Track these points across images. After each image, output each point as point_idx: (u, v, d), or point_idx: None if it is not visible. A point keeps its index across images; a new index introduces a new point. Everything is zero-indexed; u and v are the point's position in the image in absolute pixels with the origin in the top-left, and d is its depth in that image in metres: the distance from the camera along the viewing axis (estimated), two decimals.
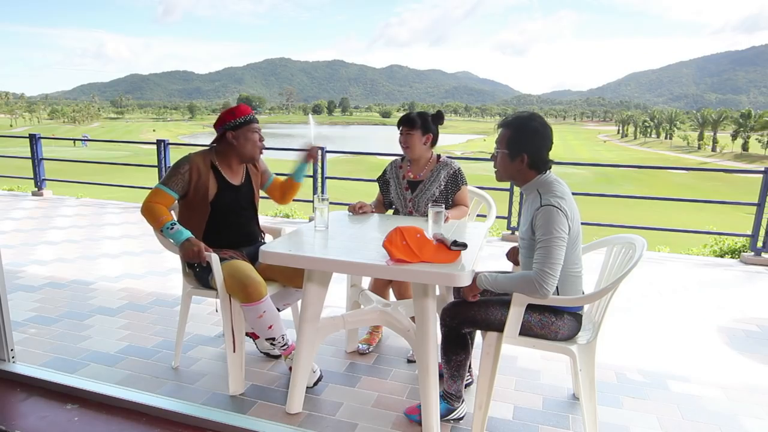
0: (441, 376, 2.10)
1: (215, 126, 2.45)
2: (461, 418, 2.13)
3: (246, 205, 2.53)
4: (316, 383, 2.33)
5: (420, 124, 2.66)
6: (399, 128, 2.71)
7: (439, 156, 2.79)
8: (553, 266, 1.79)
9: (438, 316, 2.06)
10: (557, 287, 1.93)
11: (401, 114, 2.93)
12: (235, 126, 2.40)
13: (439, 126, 2.75)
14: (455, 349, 2.02)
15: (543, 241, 1.81)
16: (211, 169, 2.42)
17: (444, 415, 2.09)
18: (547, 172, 1.98)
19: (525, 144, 1.93)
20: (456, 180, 2.71)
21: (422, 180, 2.73)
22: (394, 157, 2.97)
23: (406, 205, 2.74)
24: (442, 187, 2.70)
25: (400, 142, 2.70)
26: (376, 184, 2.93)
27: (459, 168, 2.75)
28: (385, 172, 2.90)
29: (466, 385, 2.33)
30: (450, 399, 2.11)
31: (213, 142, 2.47)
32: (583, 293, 2.00)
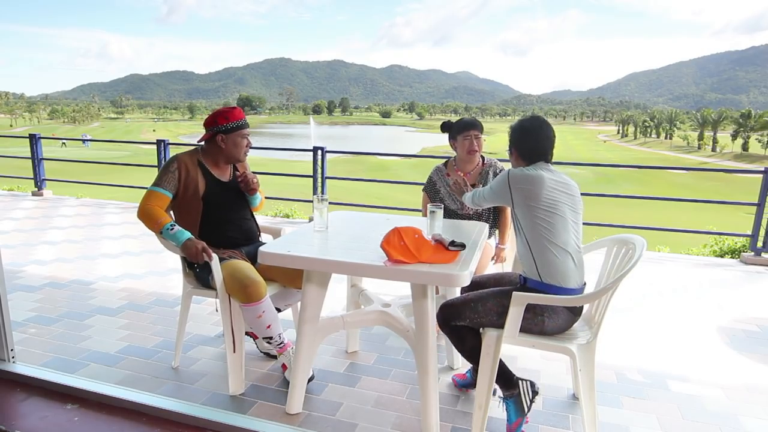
0: (494, 392, 2.00)
1: (206, 124, 2.46)
2: (537, 392, 2.01)
3: (238, 201, 2.54)
4: (308, 382, 2.33)
5: (481, 127, 2.89)
6: (460, 133, 2.85)
7: (482, 158, 2.98)
8: (480, 196, 2.25)
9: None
10: (537, 268, 1.95)
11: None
12: (226, 130, 2.42)
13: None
14: (462, 341, 2.02)
15: (489, 185, 2.21)
16: (199, 167, 2.44)
17: (518, 411, 1.98)
18: (540, 163, 2.05)
19: (514, 140, 2.15)
20: None
21: (474, 184, 2.90)
22: (394, 157, 3.00)
23: (463, 208, 2.92)
24: None
25: (466, 147, 2.85)
26: (378, 184, 2.97)
27: (502, 166, 2.95)
28: (433, 181, 3.03)
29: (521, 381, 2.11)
30: (507, 388, 2.01)
31: (201, 140, 2.49)
32: (583, 292, 2.00)
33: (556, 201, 1.95)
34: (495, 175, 2.91)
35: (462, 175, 2.94)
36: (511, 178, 2.01)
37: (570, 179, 2.05)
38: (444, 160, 3.08)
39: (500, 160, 3.04)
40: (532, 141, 2.09)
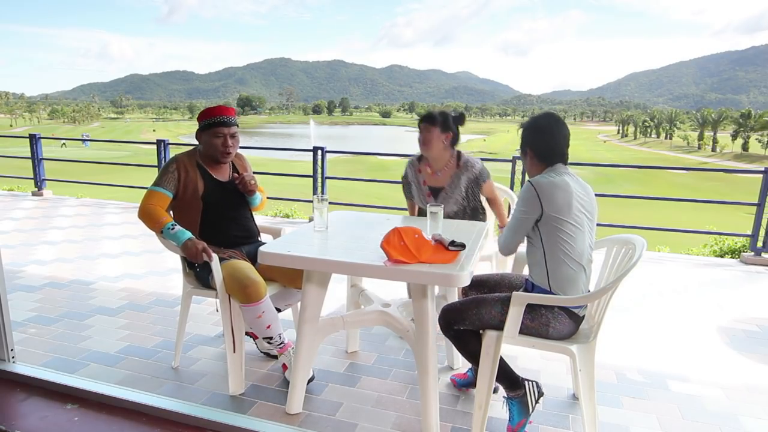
0: (495, 390, 2.02)
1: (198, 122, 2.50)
2: (542, 394, 2.02)
3: (238, 200, 2.55)
4: (308, 383, 2.33)
5: (440, 122, 2.65)
6: (419, 126, 2.71)
7: (459, 158, 2.73)
8: (507, 233, 2.01)
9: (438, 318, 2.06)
10: (549, 279, 1.93)
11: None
12: (201, 127, 2.44)
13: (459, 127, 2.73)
14: (466, 345, 2.01)
15: (513, 213, 2.01)
16: (197, 167, 2.45)
17: (522, 412, 1.98)
18: (559, 165, 1.98)
19: (529, 140, 2.03)
20: (478, 181, 2.73)
21: (443, 187, 2.75)
22: (394, 157, 2.98)
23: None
24: (464, 193, 2.72)
25: (419, 140, 2.70)
26: (378, 184, 2.96)
27: (480, 168, 2.73)
28: (406, 175, 2.89)
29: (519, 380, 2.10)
30: (513, 389, 2.01)
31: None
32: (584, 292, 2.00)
33: (581, 213, 1.90)
34: (469, 180, 2.71)
35: (430, 173, 2.75)
36: (539, 188, 1.88)
37: (585, 182, 2.00)
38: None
39: (498, 160, 3.00)
40: (550, 140, 1.98)
